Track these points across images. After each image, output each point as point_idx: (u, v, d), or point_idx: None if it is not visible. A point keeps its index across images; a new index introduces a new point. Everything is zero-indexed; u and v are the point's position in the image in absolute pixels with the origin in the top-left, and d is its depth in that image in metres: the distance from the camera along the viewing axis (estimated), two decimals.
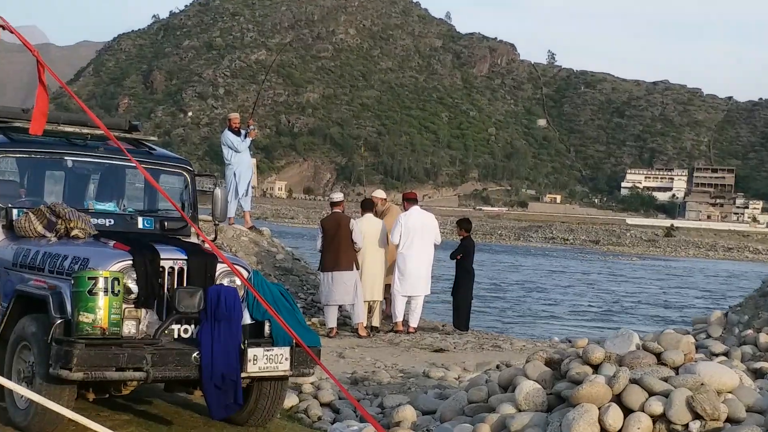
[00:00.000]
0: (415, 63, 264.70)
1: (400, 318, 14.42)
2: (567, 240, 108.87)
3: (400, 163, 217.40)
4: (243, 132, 16.99)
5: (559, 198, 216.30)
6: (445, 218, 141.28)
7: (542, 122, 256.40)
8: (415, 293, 14.41)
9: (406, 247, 14.26)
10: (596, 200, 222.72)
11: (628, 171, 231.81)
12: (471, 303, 15.44)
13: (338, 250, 13.53)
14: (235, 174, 16.91)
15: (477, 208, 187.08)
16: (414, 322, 14.51)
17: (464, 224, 15.51)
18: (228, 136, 16.89)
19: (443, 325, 16.32)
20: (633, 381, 6.82)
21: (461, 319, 15.13)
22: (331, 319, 13.81)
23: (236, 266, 7.40)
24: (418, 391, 9.68)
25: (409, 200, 14.69)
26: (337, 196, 14.41)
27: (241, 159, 16.97)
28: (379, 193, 15.46)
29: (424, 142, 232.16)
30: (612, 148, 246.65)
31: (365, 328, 13.96)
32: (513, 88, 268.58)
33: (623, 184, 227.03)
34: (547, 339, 16.50)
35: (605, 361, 7.28)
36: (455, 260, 15.22)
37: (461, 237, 15.37)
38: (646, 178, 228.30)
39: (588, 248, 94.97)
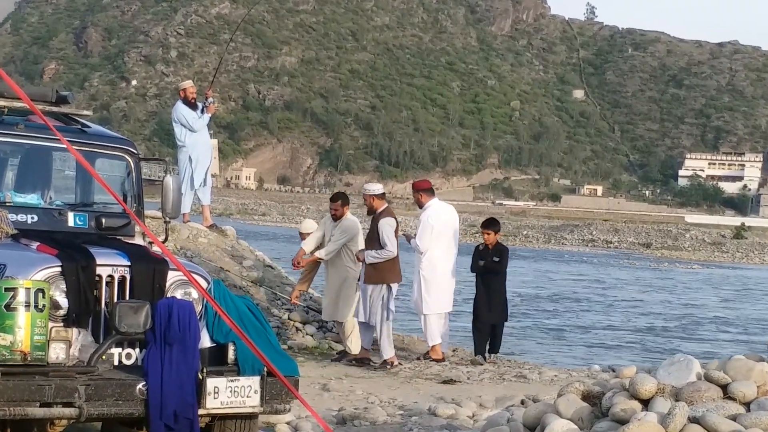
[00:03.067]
0: (418, 18, 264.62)
1: (438, 340, 14.55)
2: (610, 243, 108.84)
3: (400, 146, 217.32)
4: (200, 105, 17.01)
5: (600, 190, 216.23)
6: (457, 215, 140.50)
7: (579, 94, 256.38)
8: (446, 309, 14.55)
9: (434, 252, 14.34)
10: (647, 193, 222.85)
11: (688, 156, 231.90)
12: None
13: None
14: (190, 158, 16.94)
15: (497, 202, 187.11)
16: (446, 347, 14.74)
17: (494, 226, 15.19)
18: (181, 110, 16.90)
19: (454, 350, 16.35)
20: (693, 420, 6.83)
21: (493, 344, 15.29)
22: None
23: (193, 274, 7.41)
24: None
25: (425, 191, 14.69)
26: (371, 188, 14.48)
27: (197, 140, 16.99)
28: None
29: (429, 119, 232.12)
30: (667, 127, 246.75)
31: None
32: (542, 50, 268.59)
33: (681, 173, 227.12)
34: (584, 367, 16.53)
35: (658, 394, 7.30)
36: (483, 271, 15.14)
37: (488, 244, 15.01)
38: (710, 164, 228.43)
39: (637, 253, 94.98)
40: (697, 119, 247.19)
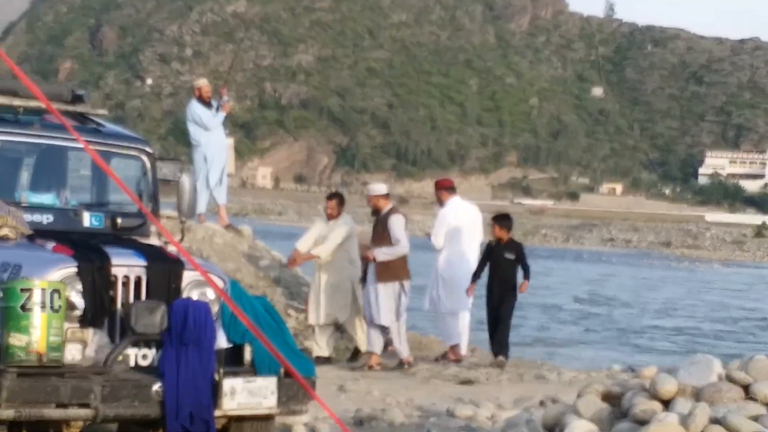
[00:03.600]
0: (435, 16, 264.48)
1: (457, 340, 14.47)
2: (629, 242, 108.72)
3: (417, 144, 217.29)
4: (215, 104, 17.02)
5: (619, 188, 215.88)
6: None
7: (598, 91, 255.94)
8: (465, 308, 14.46)
9: (451, 250, 14.30)
10: (667, 191, 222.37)
11: (708, 154, 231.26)
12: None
13: None
14: (205, 158, 16.96)
15: (515, 201, 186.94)
16: (464, 348, 14.63)
17: (506, 222, 14.60)
18: (195, 109, 16.91)
19: (472, 351, 16.32)
20: (714, 421, 6.82)
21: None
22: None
23: (209, 274, 7.42)
24: None
25: (447, 189, 14.72)
26: (376, 189, 14.34)
27: (212, 139, 17.01)
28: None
29: (447, 117, 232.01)
30: (687, 125, 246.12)
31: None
32: (561, 47, 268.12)
33: (701, 171, 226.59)
34: (604, 368, 16.51)
35: (678, 395, 7.29)
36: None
37: (500, 239, 14.41)
38: (731, 162, 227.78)
39: (656, 252, 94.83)
40: (717, 117, 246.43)
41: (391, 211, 13.92)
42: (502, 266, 14.24)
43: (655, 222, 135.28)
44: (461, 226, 14.39)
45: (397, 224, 13.71)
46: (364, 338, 14.21)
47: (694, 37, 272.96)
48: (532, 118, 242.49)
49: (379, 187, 14.36)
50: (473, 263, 14.41)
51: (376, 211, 14.01)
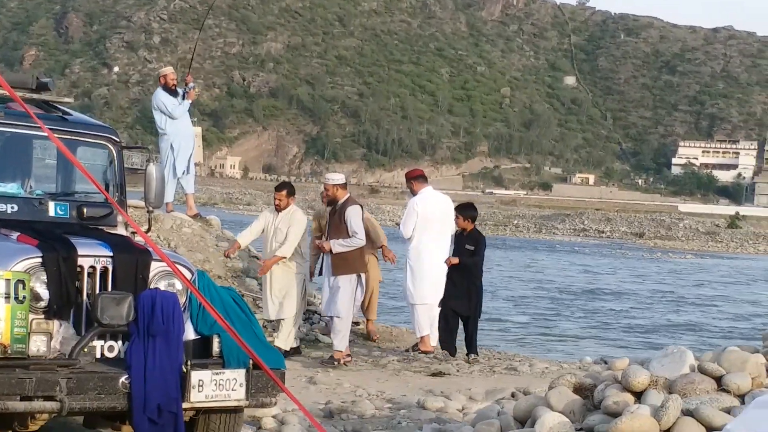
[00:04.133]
0: (406, 3, 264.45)
1: (427, 331, 14.39)
2: (602, 232, 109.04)
3: (388, 134, 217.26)
4: (181, 92, 16.95)
5: (592, 178, 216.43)
6: None
7: (570, 80, 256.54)
8: (433, 300, 14.39)
9: (421, 240, 14.29)
10: (640, 181, 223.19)
11: (681, 144, 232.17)
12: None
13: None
14: (171, 146, 16.89)
15: (487, 191, 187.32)
16: (434, 340, 14.54)
17: (470, 211, 14.66)
18: (161, 97, 16.85)
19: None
20: (686, 413, 6.85)
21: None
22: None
23: (177, 265, 7.40)
24: (411, 426, 9.71)
25: (417, 179, 14.67)
26: (333, 178, 13.94)
27: (178, 127, 16.95)
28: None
29: (418, 107, 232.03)
30: (660, 115, 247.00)
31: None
32: (533, 36, 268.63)
33: (675, 161, 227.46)
34: (575, 360, 16.56)
35: (651, 386, 7.32)
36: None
37: (463, 229, 14.43)
38: (703, 152, 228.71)
39: (629, 243, 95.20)
40: (690, 106, 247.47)
41: (348, 201, 13.58)
42: (463, 257, 14.25)
43: (628, 212, 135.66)
44: (431, 216, 14.35)
45: (354, 215, 13.40)
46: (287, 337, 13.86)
47: (668, 26, 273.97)
48: (503, 108, 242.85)
49: (336, 176, 13.97)
50: (443, 254, 14.39)
51: (332, 201, 13.66)
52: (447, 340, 14.32)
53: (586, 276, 47.34)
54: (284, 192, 13.85)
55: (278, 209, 13.86)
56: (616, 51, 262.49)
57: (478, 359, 14.39)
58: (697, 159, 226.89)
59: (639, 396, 7.28)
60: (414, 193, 14.64)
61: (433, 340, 14.58)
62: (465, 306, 14.24)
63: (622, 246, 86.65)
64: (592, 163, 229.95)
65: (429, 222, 14.33)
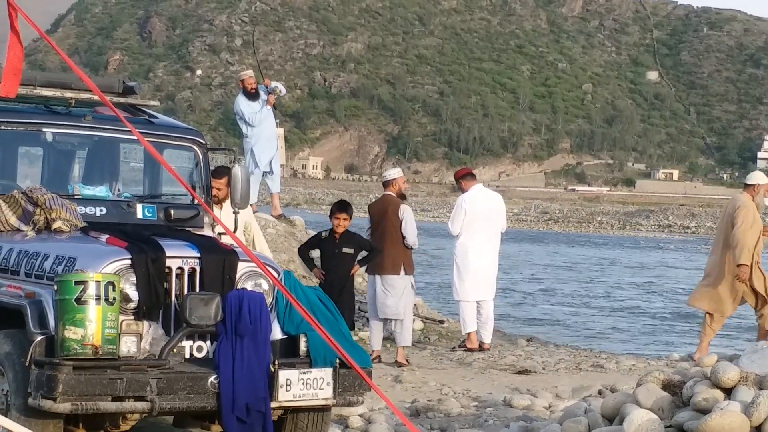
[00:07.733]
0: (486, 1, 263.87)
1: (472, 328, 14.39)
2: (687, 228, 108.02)
3: (469, 132, 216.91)
4: (262, 94, 17.00)
5: (676, 174, 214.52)
6: (528, 202, 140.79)
7: (653, 75, 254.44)
8: (484, 297, 14.39)
9: (468, 237, 14.26)
10: (725, 176, 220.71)
11: (767, 137, 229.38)
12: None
13: (383, 246, 13.23)
14: (253, 149, 17.00)
15: (569, 188, 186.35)
16: (488, 337, 14.55)
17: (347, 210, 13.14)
18: (240, 105, 16.97)
19: (528, 340, 16.28)
20: None
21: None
22: (375, 339, 13.55)
23: (265, 265, 7.44)
24: (498, 424, 9.69)
25: (465, 177, 14.63)
26: (391, 174, 13.83)
27: (261, 129, 17.05)
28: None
29: (499, 104, 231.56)
30: (745, 108, 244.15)
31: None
32: (614, 31, 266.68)
33: (760, 155, 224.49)
34: (663, 356, 16.42)
35: (740, 383, 7.24)
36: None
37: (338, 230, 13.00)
38: None
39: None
40: None
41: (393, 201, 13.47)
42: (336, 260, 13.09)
43: (713, 207, 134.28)
44: (479, 214, 14.30)
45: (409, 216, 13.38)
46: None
47: (752, 19, 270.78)
48: (585, 104, 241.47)
49: (392, 172, 13.91)
50: (491, 251, 14.41)
51: (402, 195, 13.54)
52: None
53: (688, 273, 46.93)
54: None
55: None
56: (699, 45, 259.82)
57: (557, 351, 14.49)
58: None
59: (728, 392, 7.22)
60: (463, 191, 14.62)
61: (487, 338, 14.50)
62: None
63: (707, 242, 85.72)
64: (675, 159, 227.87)
65: (476, 220, 14.28)
